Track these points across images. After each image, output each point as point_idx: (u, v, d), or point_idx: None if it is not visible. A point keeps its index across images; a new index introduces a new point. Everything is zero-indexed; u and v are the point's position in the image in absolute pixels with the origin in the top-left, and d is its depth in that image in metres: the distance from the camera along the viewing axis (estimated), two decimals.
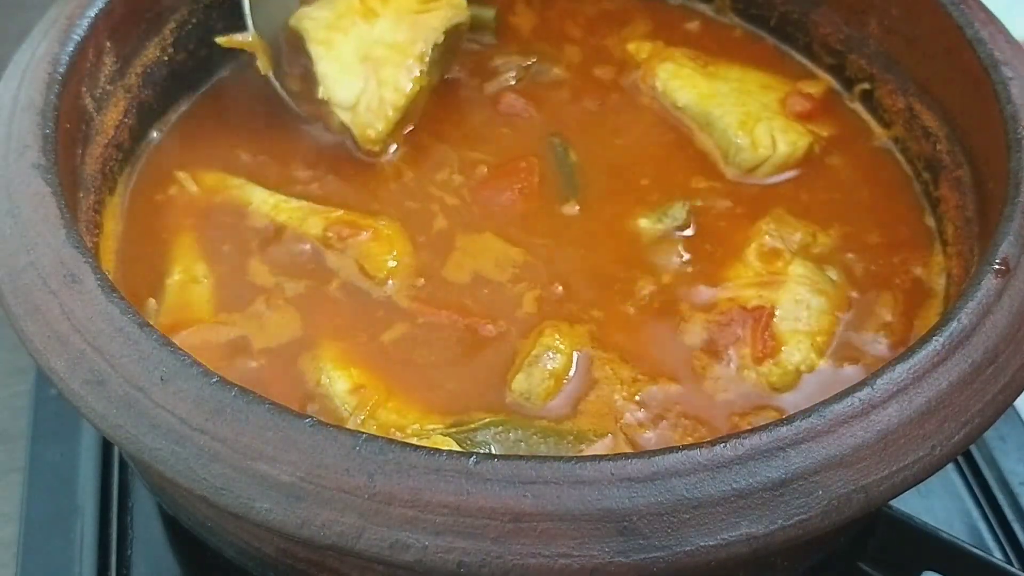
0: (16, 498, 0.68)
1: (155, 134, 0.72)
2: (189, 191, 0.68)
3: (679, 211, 0.67)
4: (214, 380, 0.46)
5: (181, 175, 0.69)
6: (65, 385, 0.48)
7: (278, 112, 0.72)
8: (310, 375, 0.59)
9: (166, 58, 0.72)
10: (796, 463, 0.45)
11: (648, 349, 0.61)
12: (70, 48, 0.61)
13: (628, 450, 0.56)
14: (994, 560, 0.56)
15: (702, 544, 0.43)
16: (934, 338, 0.49)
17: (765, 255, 0.65)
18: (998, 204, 0.57)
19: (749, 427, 0.46)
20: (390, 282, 0.64)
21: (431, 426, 0.57)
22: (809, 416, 0.46)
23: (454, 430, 0.56)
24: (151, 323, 0.49)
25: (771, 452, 0.45)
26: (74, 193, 0.60)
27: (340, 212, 0.67)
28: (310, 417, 0.45)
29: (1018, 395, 0.51)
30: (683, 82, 0.75)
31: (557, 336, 0.60)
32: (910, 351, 0.49)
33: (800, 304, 0.62)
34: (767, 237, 0.66)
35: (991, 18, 0.66)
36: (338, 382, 0.59)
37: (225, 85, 0.75)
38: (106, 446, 0.69)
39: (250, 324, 0.61)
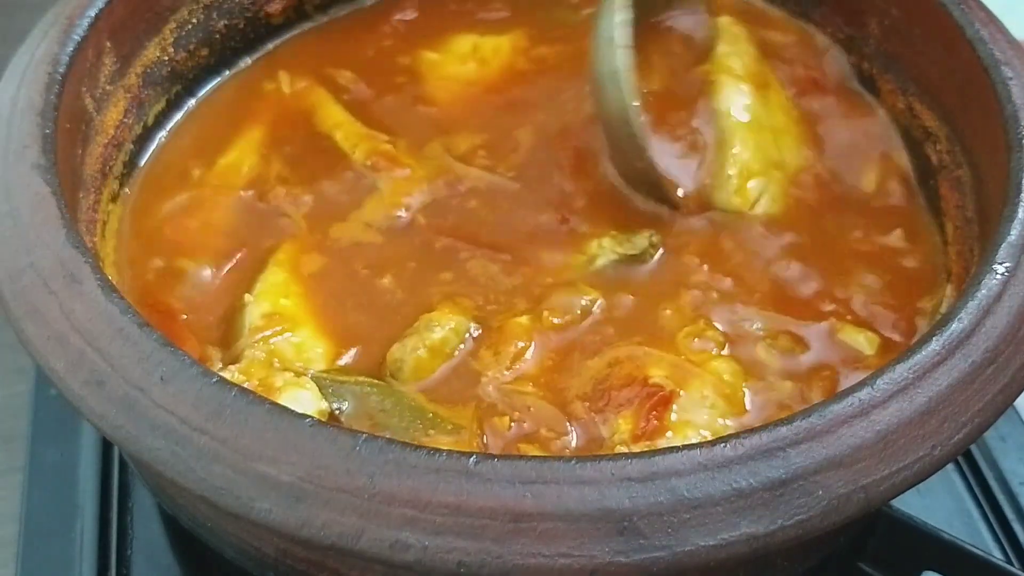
0: (16, 498, 0.68)
1: (155, 134, 0.72)
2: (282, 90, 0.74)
3: (641, 241, 0.65)
4: (214, 380, 0.46)
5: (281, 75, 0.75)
6: (65, 385, 0.48)
7: (277, 115, 0.73)
8: (246, 284, 0.62)
9: (166, 58, 0.72)
10: (796, 463, 0.45)
11: (537, 362, 0.59)
12: (70, 48, 0.61)
13: (476, 446, 0.55)
14: (994, 560, 0.56)
15: (702, 544, 0.43)
16: (934, 338, 0.49)
17: (693, 341, 0.61)
18: (998, 204, 0.57)
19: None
20: (401, 215, 0.66)
21: (313, 368, 0.58)
22: (809, 416, 0.46)
23: (324, 376, 0.57)
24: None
25: (771, 452, 0.45)
26: (74, 193, 0.60)
27: (389, 145, 0.70)
28: (310, 417, 0.45)
29: (1018, 395, 0.51)
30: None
31: (450, 316, 0.60)
32: (910, 351, 0.49)
33: (705, 400, 0.57)
34: (707, 332, 0.61)
35: (991, 18, 0.66)
36: (261, 301, 0.61)
37: (226, 85, 0.76)
38: (106, 446, 0.69)
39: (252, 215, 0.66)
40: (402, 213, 0.67)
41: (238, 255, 0.64)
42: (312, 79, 0.75)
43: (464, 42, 0.78)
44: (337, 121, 0.72)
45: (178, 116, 0.73)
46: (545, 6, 0.81)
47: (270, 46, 0.78)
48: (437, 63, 0.77)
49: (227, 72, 0.76)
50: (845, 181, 0.70)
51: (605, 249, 0.65)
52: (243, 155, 0.70)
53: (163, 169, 0.70)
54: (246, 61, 0.77)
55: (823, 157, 0.71)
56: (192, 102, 0.74)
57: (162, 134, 0.72)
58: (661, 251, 0.65)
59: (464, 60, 0.77)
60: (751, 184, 0.67)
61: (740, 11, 0.77)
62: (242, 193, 0.68)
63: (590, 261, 0.65)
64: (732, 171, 0.68)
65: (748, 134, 0.69)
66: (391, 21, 0.80)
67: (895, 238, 0.67)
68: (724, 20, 0.75)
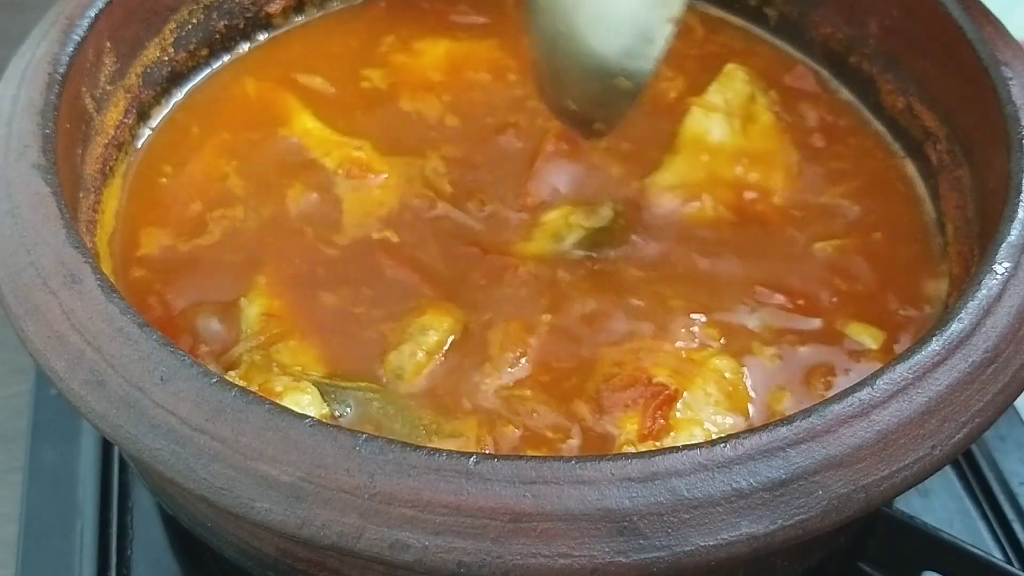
0: (16, 498, 0.68)
1: (155, 134, 0.71)
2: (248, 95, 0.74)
3: (605, 211, 0.65)
4: (214, 380, 0.46)
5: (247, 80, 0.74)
6: (65, 385, 0.48)
7: (245, 121, 0.73)
8: (239, 288, 0.62)
9: (166, 58, 0.72)
10: (796, 463, 0.45)
11: (538, 366, 0.59)
12: (70, 48, 0.61)
13: (478, 448, 0.55)
14: (994, 560, 0.56)
15: (702, 544, 0.43)
16: (934, 338, 0.49)
17: (694, 336, 0.61)
18: (998, 204, 0.57)
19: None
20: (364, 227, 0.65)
21: (312, 374, 0.58)
22: (809, 416, 0.46)
23: (326, 382, 0.57)
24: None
25: (771, 452, 0.45)
26: (74, 193, 0.60)
27: (362, 152, 0.69)
28: (310, 417, 0.45)
29: (1018, 395, 0.51)
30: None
31: (442, 318, 0.60)
32: (910, 351, 0.49)
33: (709, 398, 0.58)
34: (707, 329, 0.61)
35: (991, 18, 0.66)
36: (255, 305, 0.61)
37: (226, 87, 0.75)
38: (106, 446, 0.69)
39: (220, 226, 0.65)
40: (377, 221, 0.66)
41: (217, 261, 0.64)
42: (279, 84, 0.74)
43: (437, 47, 0.78)
44: (306, 128, 0.71)
45: (180, 118, 0.73)
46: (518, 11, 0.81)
47: (244, 48, 0.77)
48: (410, 68, 0.76)
49: (228, 75, 0.76)
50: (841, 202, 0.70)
51: (573, 226, 0.65)
52: (209, 161, 0.69)
53: (141, 172, 0.70)
54: (222, 62, 0.76)
55: (819, 183, 0.71)
56: (194, 104, 0.74)
57: (162, 134, 0.72)
58: (647, 245, 0.65)
59: (437, 66, 0.77)
60: (687, 194, 0.68)
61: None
62: (208, 201, 0.67)
63: (558, 240, 0.65)
64: (671, 177, 0.69)
65: (702, 153, 0.71)
66: (365, 21, 0.80)
67: (893, 237, 0.67)
68: (729, 67, 0.77)
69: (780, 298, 0.63)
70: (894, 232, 0.68)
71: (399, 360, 0.59)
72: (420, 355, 0.59)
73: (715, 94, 0.74)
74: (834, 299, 0.63)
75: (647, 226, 0.66)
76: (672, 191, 0.68)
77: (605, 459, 0.44)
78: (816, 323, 0.62)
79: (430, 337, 0.59)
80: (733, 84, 0.75)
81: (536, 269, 0.64)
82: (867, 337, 0.61)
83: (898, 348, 0.61)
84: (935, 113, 0.69)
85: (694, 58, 0.78)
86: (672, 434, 0.56)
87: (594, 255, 0.64)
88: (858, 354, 0.60)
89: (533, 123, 0.73)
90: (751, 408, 0.58)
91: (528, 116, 0.73)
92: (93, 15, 0.63)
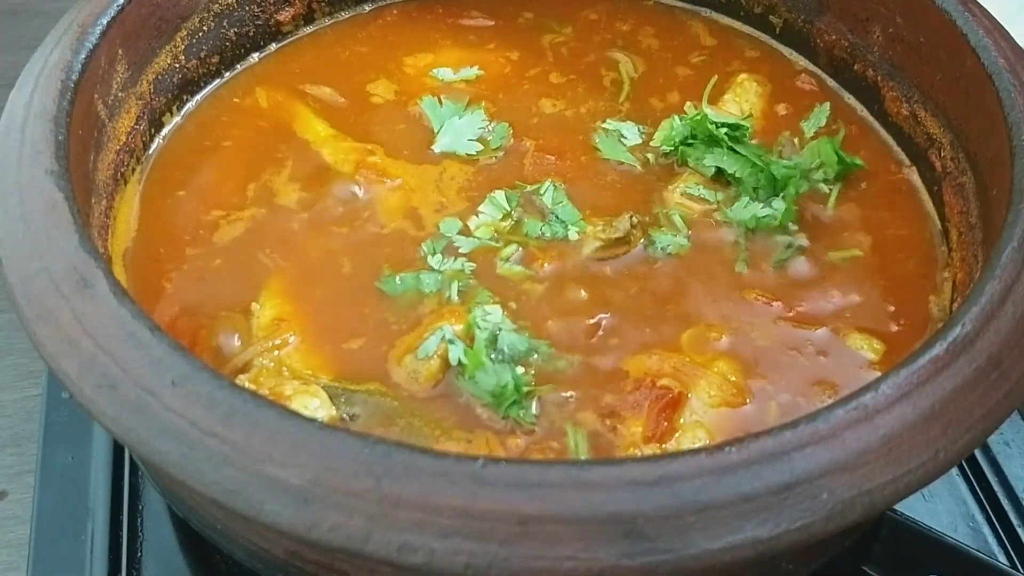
0: (28, 500, 0.68)
1: (168, 141, 0.72)
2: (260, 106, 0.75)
3: (622, 223, 0.66)
4: (225, 384, 0.46)
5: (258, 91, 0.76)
6: (77, 389, 0.48)
7: (258, 131, 0.73)
8: (250, 294, 0.62)
9: (177, 65, 0.72)
10: (801, 467, 0.45)
11: (544, 367, 0.60)
12: (83, 56, 0.61)
13: (485, 449, 0.56)
14: (998, 564, 0.56)
15: (707, 547, 0.43)
16: (938, 343, 0.50)
17: (697, 343, 0.62)
18: (1001, 210, 0.57)
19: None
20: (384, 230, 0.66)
21: (322, 377, 0.59)
22: (813, 420, 0.46)
23: (336, 385, 0.58)
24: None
25: (776, 456, 0.45)
26: (86, 199, 0.61)
27: (376, 156, 0.70)
28: (318, 421, 0.45)
29: (1022, 400, 0.51)
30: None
31: (457, 324, 0.61)
32: (914, 356, 0.49)
33: (712, 400, 0.59)
34: (710, 333, 0.62)
35: (995, 25, 0.66)
36: (267, 310, 0.61)
37: (237, 97, 0.76)
38: (117, 449, 0.70)
39: (232, 231, 0.66)
40: (391, 224, 0.67)
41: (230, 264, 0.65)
42: (290, 93, 0.75)
43: (448, 55, 0.79)
44: (320, 135, 0.72)
45: (188, 123, 0.74)
46: (531, 23, 0.82)
47: (255, 58, 0.78)
48: (421, 75, 0.77)
49: (215, 84, 0.76)
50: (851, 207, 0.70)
51: (590, 236, 0.66)
52: (222, 168, 0.70)
53: (154, 178, 0.70)
54: (232, 71, 0.77)
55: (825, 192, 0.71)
56: (202, 109, 0.75)
57: (174, 140, 0.72)
58: (658, 252, 0.66)
59: (450, 72, 0.77)
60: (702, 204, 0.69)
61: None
62: (221, 207, 0.68)
63: (575, 249, 0.66)
64: (691, 188, 0.70)
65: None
66: (375, 29, 0.81)
67: (899, 244, 0.68)
68: (742, 77, 0.78)
69: (780, 306, 0.63)
70: (898, 241, 0.68)
71: (415, 364, 0.59)
72: (436, 360, 0.59)
73: (731, 104, 0.75)
74: (833, 308, 0.64)
75: (661, 234, 0.67)
76: (691, 201, 0.69)
77: (611, 463, 0.44)
78: (817, 331, 0.62)
79: (446, 343, 0.60)
80: (748, 96, 0.76)
81: (548, 275, 0.64)
82: (867, 347, 0.61)
83: (898, 358, 0.61)
84: (939, 120, 0.69)
85: (703, 66, 0.79)
86: (676, 436, 0.57)
87: (605, 263, 0.65)
88: (859, 362, 0.61)
89: (544, 129, 0.73)
90: (755, 411, 0.58)
91: (540, 122, 0.74)
92: (105, 23, 0.63)
